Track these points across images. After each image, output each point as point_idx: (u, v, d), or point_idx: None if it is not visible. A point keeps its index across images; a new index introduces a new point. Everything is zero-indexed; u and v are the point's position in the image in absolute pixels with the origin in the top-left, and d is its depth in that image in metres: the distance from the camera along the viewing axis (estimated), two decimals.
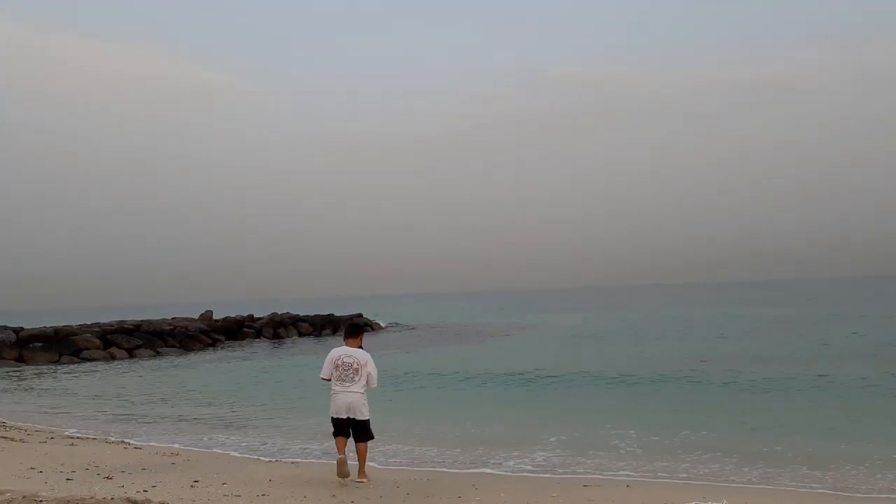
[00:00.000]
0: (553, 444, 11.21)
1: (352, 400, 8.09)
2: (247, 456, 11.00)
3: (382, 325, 52.72)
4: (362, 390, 8.14)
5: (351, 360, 8.16)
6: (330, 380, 8.23)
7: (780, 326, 39.11)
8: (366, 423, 8.21)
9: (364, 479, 8.24)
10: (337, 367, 8.17)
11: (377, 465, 10.07)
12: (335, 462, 8.23)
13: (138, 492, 7.57)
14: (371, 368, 8.18)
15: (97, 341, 34.06)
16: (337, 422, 8.22)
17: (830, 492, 8.28)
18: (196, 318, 42.99)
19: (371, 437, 8.34)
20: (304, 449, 11.59)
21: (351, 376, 8.10)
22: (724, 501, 7.11)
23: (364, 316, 52.93)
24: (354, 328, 8.73)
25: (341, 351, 8.30)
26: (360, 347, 8.45)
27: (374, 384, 8.25)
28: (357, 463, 8.32)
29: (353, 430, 8.21)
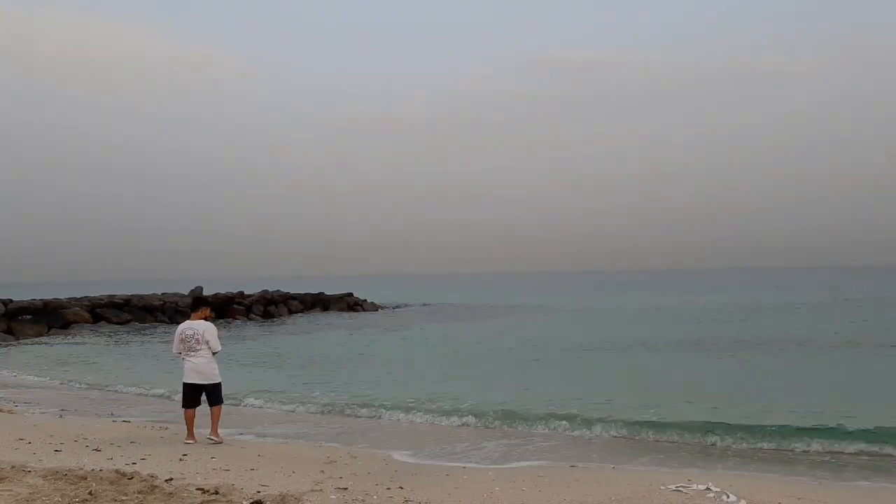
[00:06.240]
0: (541, 426, 11.29)
1: (199, 366, 9.04)
2: (233, 430, 11.05)
3: (377, 304, 52.64)
4: (207, 356, 9.05)
5: (192, 333, 9.09)
6: (181, 354, 9.14)
7: (769, 312, 39.40)
8: (216, 387, 9.16)
9: (216, 438, 9.18)
10: (182, 340, 9.11)
11: (366, 446, 10.14)
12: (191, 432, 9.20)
13: (127, 464, 7.59)
14: (209, 336, 9.06)
15: (86, 315, 33.98)
16: (187, 387, 9.12)
17: (814, 478, 8.39)
18: (186, 293, 42.90)
19: (221, 400, 9.28)
20: (294, 430, 11.64)
21: (194, 346, 9.05)
22: (710, 484, 7.18)
23: (354, 295, 52.85)
24: (195, 302, 9.68)
25: (184, 326, 9.25)
26: (206, 319, 9.33)
27: (216, 349, 9.12)
28: (208, 427, 9.26)
29: (206, 394, 9.13)
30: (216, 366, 9.17)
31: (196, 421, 9.24)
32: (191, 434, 9.19)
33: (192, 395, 9.14)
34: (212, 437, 9.18)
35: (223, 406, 9.48)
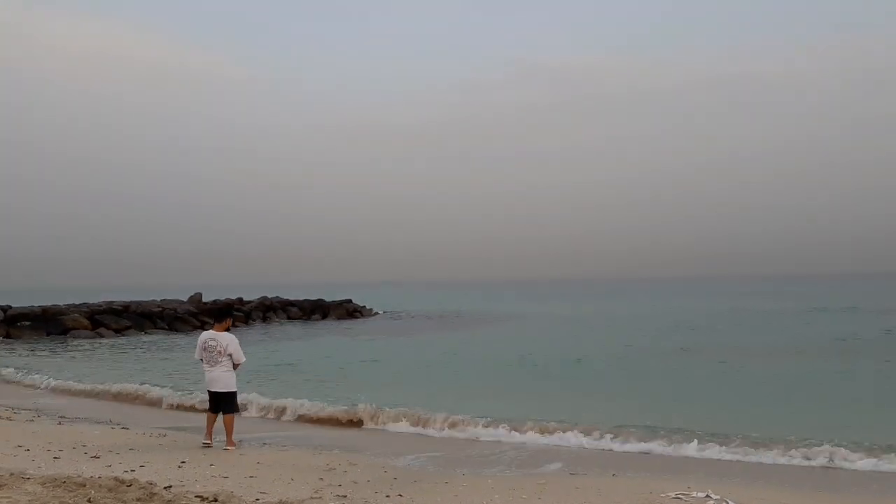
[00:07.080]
0: (540, 433, 11.26)
1: (216, 376, 9.20)
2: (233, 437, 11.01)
3: (376, 311, 52.49)
4: (227, 368, 9.21)
5: (214, 344, 9.21)
6: (202, 360, 9.30)
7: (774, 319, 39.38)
8: (231, 395, 9.31)
9: (231, 448, 9.21)
10: (204, 350, 9.24)
11: (365, 453, 10.11)
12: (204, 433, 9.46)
13: (126, 471, 7.57)
14: (233, 349, 9.20)
15: (85, 321, 33.94)
16: (210, 394, 9.37)
17: (814, 488, 8.38)
18: (185, 300, 42.87)
19: (236, 409, 9.53)
20: (294, 437, 11.62)
21: (215, 358, 9.18)
22: (710, 491, 7.17)
23: (353, 301, 52.77)
24: (219, 313, 9.83)
25: (207, 335, 9.34)
26: (228, 330, 9.44)
27: (240, 360, 9.31)
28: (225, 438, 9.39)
29: (220, 402, 9.27)
30: (234, 376, 9.35)
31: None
32: (208, 434, 9.38)
33: (215, 401, 9.38)
34: (227, 448, 9.25)
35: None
